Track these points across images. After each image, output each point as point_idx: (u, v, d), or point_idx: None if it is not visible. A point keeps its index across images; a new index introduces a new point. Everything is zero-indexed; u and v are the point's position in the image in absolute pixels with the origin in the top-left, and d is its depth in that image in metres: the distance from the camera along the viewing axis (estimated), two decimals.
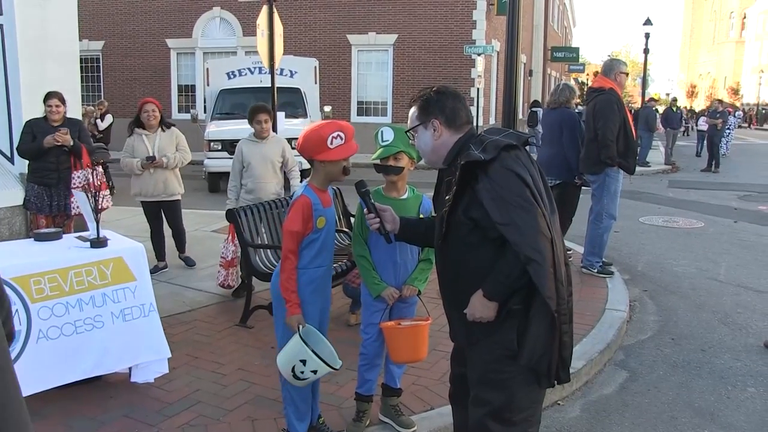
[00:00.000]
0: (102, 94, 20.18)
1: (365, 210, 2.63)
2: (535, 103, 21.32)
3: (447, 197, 2.26)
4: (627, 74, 6.20)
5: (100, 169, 5.40)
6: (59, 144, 5.37)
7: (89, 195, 3.84)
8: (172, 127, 6.14)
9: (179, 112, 20.36)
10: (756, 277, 6.39)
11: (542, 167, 2.33)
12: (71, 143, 5.44)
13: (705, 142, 17.75)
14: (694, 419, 3.66)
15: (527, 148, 2.29)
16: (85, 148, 5.57)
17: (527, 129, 20.10)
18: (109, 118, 12.70)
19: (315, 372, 2.71)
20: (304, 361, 2.68)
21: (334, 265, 4.70)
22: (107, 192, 5.65)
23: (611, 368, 4.36)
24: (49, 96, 5.48)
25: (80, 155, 5.51)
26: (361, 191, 2.63)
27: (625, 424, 3.61)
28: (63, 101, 5.53)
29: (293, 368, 2.70)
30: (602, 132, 5.82)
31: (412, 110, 2.41)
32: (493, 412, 2.23)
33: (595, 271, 6.05)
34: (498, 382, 2.23)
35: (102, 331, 3.55)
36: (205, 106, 14.85)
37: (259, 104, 5.66)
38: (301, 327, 2.76)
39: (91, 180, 4.81)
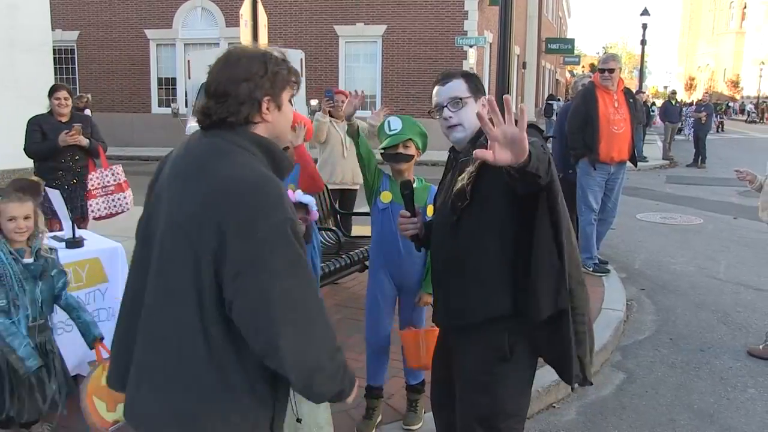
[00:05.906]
0: (77, 87, 19.33)
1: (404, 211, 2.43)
2: (551, 96, 23.75)
3: (461, 176, 2.17)
4: (603, 70, 5.81)
5: (119, 168, 5.14)
6: (73, 143, 5.04)
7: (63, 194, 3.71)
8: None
9: (159, 106, 19.72)
10: (756, 275, 6.35)
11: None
12: (87, 143, 5.11)
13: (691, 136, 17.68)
14: (693, 421, 3.63)
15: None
16: (101, 146, 5.24)
17: (543, 119, 22.00)
18: (87, 114, 12.31)
19: None
20: None
21: (322, 264, 4.62)
22: (128, 192, 5.26)
23: (608, 369, 4.30)
24: (55, 89, 5.18)
25: (97, 155, 5.19)
26: (405, 193, 2.43)
27: (622, 426, 3.57)
28: (71, 93, 5.26)
29: None
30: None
31: (458, 81, 2.30)
32: (480, 416, 2.21)
33: (590, 269, 5.89)
34: (486, 385, 2.21)
35: (71, 335, 3.36)
36: (186, 100, 14.60)
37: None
38: None
39: (110, 180, 4.99)
